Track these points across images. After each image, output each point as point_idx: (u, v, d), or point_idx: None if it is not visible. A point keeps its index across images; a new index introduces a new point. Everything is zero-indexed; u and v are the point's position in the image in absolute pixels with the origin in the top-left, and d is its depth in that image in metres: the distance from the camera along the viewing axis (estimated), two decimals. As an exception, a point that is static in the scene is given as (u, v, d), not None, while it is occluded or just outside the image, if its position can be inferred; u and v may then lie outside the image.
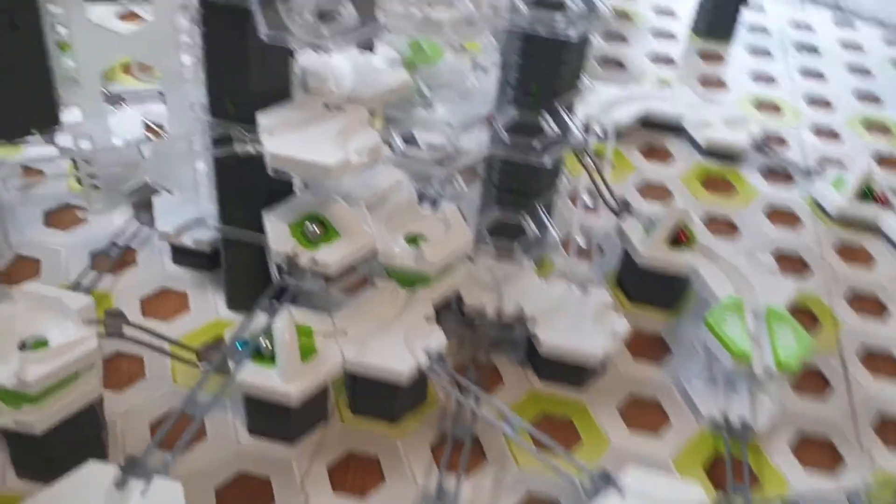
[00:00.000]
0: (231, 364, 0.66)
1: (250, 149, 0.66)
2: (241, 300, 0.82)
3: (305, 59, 0.72)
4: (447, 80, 0.85)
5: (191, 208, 0.84)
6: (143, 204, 0.90)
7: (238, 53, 0.66)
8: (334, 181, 0.64)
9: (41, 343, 0.62)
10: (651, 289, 0.87)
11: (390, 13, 0.60)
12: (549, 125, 0.73)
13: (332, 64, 0.73)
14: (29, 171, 0.97)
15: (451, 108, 0.87)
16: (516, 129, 0.74)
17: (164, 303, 0.84)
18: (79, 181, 0.77)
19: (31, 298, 0.64)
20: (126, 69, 1.11)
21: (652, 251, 0.84)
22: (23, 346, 0.62)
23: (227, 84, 0.68)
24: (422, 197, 0.80)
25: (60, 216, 0.92)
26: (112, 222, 0.91)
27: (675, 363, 0.82)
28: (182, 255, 0.87)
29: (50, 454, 0.62)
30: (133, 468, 0.47)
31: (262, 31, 0.59)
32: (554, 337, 0.75)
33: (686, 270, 0.84)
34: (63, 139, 0.75)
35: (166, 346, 0.67)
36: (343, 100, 0.70)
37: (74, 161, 0.80)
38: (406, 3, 0.61)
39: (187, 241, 0.84)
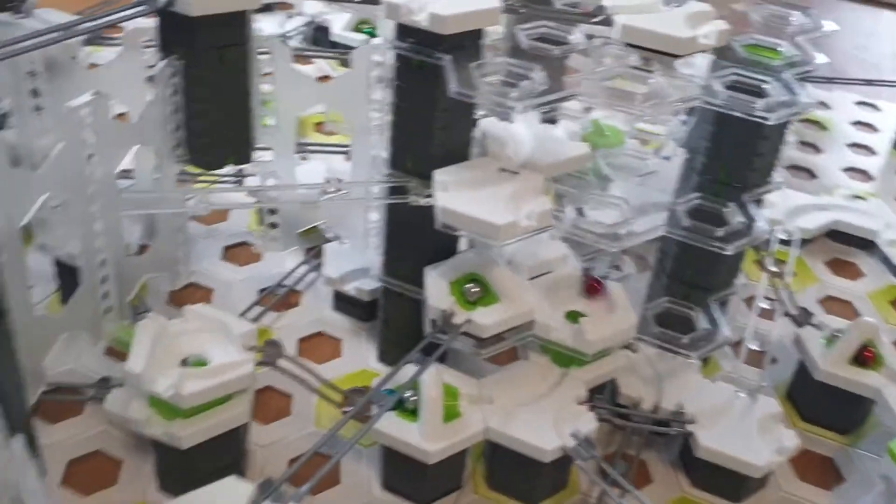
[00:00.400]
0: (373, 412, 0.66)
1: (423, 202, 0.67)
2: (392, 354, 0.82)
3: (487, 124, 0.73)
4: (626, 163, 0.83)
5: (357, 259, 0.86)
6: (314, 250, 0.93)
7: (425, 110, 0.67)
8: (501, 243, 0.63)
9: (201, 363, 0.64)
10: (827, 407, 0.79)
11: (581, 82, 0.59)
12: (735, 216, 0.70)
13: (513, 130, 0.73)
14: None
15: (628, 190, 0.85)
16: (697, 215, 0.70)
17: (318, 346, 0.85)
18: (260, 222, 0.81)
19: (200, 319, 0.67)
20: (317, 126, 1.17)
21: (832, 367, 0.77)
22: (184, 363, 0.64)
23: (410, 139, 0.69)
24: (587, 273, 0.78)
25: (237, 252, 0.97)
26: (283, 264, 0.94)
27: (847, 492, 0.74)
28: (343, 302, 0.88)
29: (191, 471, 0.63)
30: (269, 491, 0.47)
31: (452, 88, 0.60)
32: (714, 440, 0.70)
33: (869, 393, 0.76)
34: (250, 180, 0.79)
35: (315, 383, 0.67)
36: (519, 166, 0.69)
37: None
38: (599, 74, 0.60)
39: (349, 289, 0.86)
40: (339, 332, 0.87)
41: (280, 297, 0.90)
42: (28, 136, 0.68)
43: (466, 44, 0.64)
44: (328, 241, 0.89)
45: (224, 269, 0.94)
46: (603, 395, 0.74)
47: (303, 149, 1.00)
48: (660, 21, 0.65)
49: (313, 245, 0.93)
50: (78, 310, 0.63)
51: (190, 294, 0.88)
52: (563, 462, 0.69)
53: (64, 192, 0.59)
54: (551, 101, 0.60)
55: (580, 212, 0.71)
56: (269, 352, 0.65)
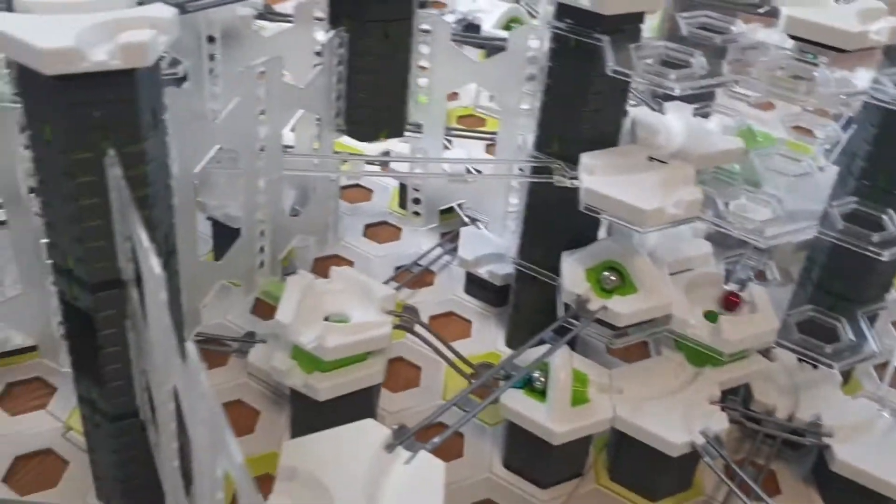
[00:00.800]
0: (500, 387, 0.66)
1: (567, 183, 0.67)
2: (521, 339, 0.81)
3: (639, 113, 0.73)
4: (779, 165, 0.81)
5: (493, 244, 0.87)
6: (451, 233, 0.95)
7: (577, 91, 0.68)
8: (647, 229, 0.63)
9: (343, 320, 0.67)
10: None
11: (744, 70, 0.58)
12: (893, 221, 0.67)
13: (665, 120, 0.72)
14: (360, 187, 1.07)
15: (780, 195, 0.83)
16: (853, 220, 0.68)
17: (448, 325, 0.87)
18: (400, 203, 0.83)
19: (345, 280, 0.69)
20: (459, 120, 1.19)
21: None
22: (327, 319, 0.66)
23: (559, 121, 0.70)
24: (729, 275, 0.76)
25: (378, 230, 1.00)
26: (420, 244, 0.97)
27: None
28: (475, 286, 0.90)
29: (324, 425, 0.65)
30: (403, 437, 0.48)
31: (610, 65, 0.60)
32: (853, 456, 0.67)
33: None
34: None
35: (447, 353, 0.69)
36: (669, 155, 0.69)
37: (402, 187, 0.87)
38: (763, 63, 0.59)
39: (483, 272, 0.87)
40: (469, 314, 0.89)
41: (415, 275, 0.92)
42: (202, 98, 0.73)
43: (626, 27, 0.64)
44: (466, 224, 0.91)
45: (365, 244, 0.97)
46: (736, 398, 0.72)
47: (449, 133, 1.02)
48: (828, 14, 0.63)
49: (451, 229, 0.95)
50: (235, 260, 0.67)
51: (332, 264, 0.91)
52: (689, 461, 0.67)
53: (234, 146, 0.62)
54: (710, 86, 0.59)
55: (728, 206, 0.69)
56: (406, 317, 0.67)
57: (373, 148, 0.99)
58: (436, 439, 0.51)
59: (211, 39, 0.73)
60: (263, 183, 0.65)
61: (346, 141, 0.85)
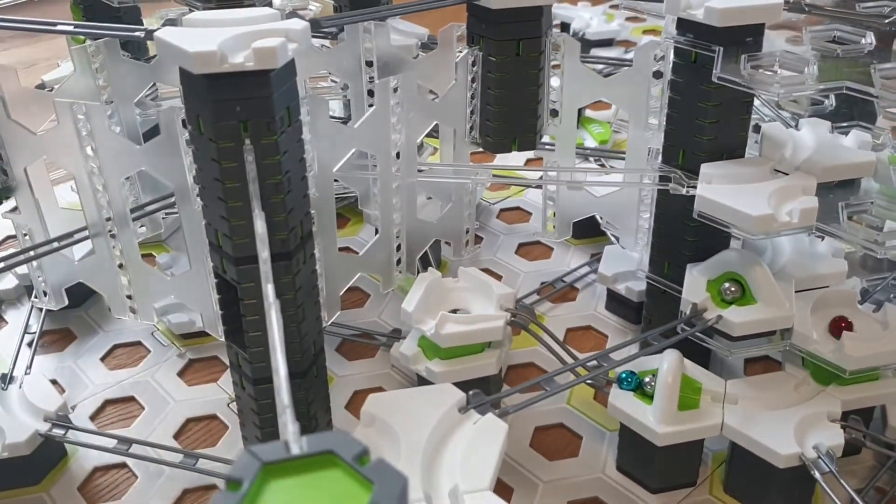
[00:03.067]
0: (612, 387, 0.69)
1: (684, 191, 0.69)
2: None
3: (769, 127, 0.73)
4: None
5: (631, 261, 0.89)
6: (598, 255, 0.98)
7: (697, 104, 0.69)
8: (756, 235, 0.63)
9: (465, 314, 0.72)
10: None
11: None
12: None
13: (794, 134, 0.72)
14: (520, 210, 1.13)
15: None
16: None
17: (584, 338, 0.90)
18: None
19: (470, 279, 0.75)
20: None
21: None
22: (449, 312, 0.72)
23: (683, 134, 0.72)
24: (865, 295, 0.73)
25: (529, 249, 1.05)
26: (568, 264, 1.01)
27: None
28: (614, 302, 0.92)
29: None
30: (476, 401, 0.52)
31: (715, 73, 0.62)
32: None
33: None
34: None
35: (560, 352, 0.72)
36: (793, 167, 0.69)
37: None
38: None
39: (620, 288, 0.89)
40: (606, 329, 0.91)
41: (558, 291, 0.96)
42: (360, 112, 0.83)
43: (746, 39, 0.66)
44: (612, 244, 0.94)
45: (515, 261, 1.02)
46: (857, 417, 0.69)
47: (595, 155, 1.06)
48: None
49: (601, 250, 0.98)
50: (373, 255, 0.75)
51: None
52: (803, 479, 0.65)
53: (371, 149, 0.70)
54: (817, 91, 0.59)
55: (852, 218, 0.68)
56: (520, 314, 0.71)
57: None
58: (508, 408, 0.54)
59: (369, 64, 0.82)
60: (398, 185, 0.73)
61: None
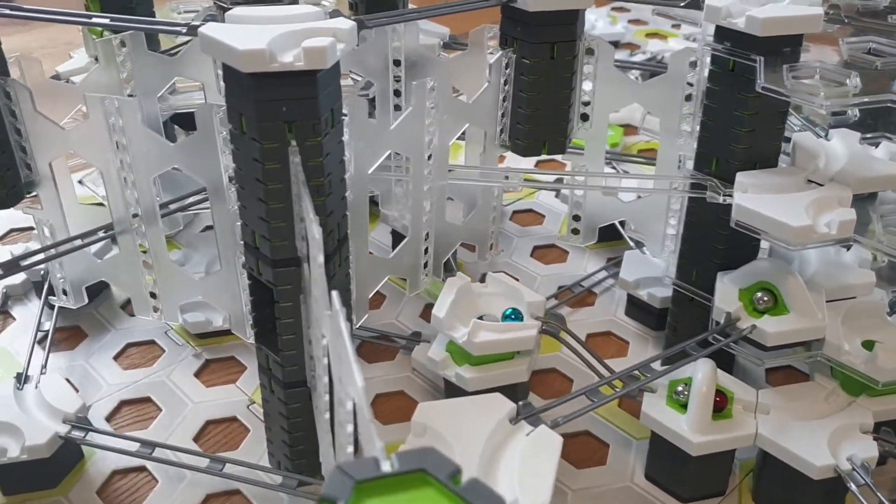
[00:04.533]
0: (644, 397, 0.68)
1: (720, 199, 0.69)
2: (677, 359, 0.83)
3: (801, 137, 0.73)
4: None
5: (654, 268, 0.89)
6: (615, 259, 0.98)
7: (734, 112, 0.69)
8: (795, 246, 0.63)
9: (494, 320, 0.71)
10: None
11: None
12: None
13: (827, 145, 0.72)
14: (532, 212, 1.13)
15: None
16: None
17: (605, 343, 0.89)
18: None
19: (499, 285, 0.74)
20: (640, 152, 1.22)
21: None
22: (479, 318, 0.71)
23: (717, 142, 0.72)
24: (894, 307, 0.74)
25: (545, 252, 1.05)
26: (585, 267, 1.00)
27: None
28: (635, 308, 0.92)
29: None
30: (527, 412, 0.52)
31: (759, 83, 0.62)
32: None
33: None
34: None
35: (592, 360, 0.71)
36: (827, 178, 0.68)
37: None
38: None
39: (642, 294, 0.89)
40: (626, 335, 0.90)
41: (576, 295, 0.96)
42: (386, 112, 0.82)
43: (784, 49, 0.66)
44: (630, 248, 0.93)
45: (531, 264, 1.02)
46: (889, 429, 0.69)
47: (620, 158, 1.06)
48: None
49: (618, 255, 0.97)
50: (402, 258, 0.74)
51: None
52: (835, 489, 0.66)
53: (405, 151, 0.69)
54: (864, 104, 0.59)
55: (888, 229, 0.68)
56: (551, 322, 0.71)
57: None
58: (559, 420, 0.54)
59: (396, 63, 0.81)
60: (429, 188, 0.72)
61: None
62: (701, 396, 0.66)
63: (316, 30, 0.54)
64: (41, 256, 0.70)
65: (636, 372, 0.67)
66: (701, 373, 0.67)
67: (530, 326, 0.70)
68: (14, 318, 0.93)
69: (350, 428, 0.41)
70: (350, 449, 0.41)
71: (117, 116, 0.64)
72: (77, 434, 0.69)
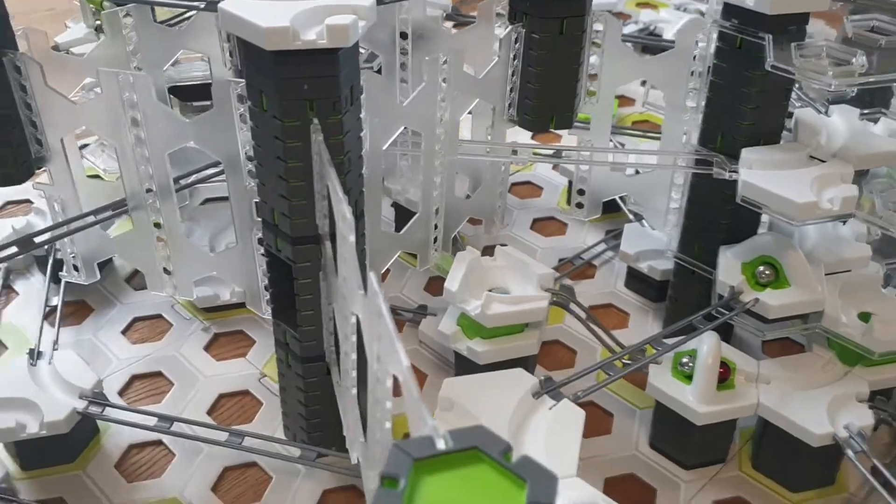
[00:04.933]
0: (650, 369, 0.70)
1: (727, 176, 0.70)
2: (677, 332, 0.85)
3: (802, 113, 0.74)
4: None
5: (654, 240, 0.90)
6: (614, 231, 1.00)
7: (740, 89, 0.70)
8: (799, 221, 0.65)
9: (504, 293, 0.73)
10: None
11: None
12: None
13: (828, 121, 0.73)
14: (531, 185, 1.14)
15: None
16: None
17: (606, 315, 0.91)
18: (568, 201, 0.89)
19: (508, 258, 0.76)
20: (633, 124, 1.24)
21: None
22: (490, 291, 0.73)
23: (722, 117, 0.73)
24: (888, 280, 0.76)
25: (545, 225, 1.06)
26: (584, 240, 1.02)
27: None
28: (634, 279, 0.93)
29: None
30: (549, 386, 0.53)
31: (769, 61, 0.63)
32: None
33: None
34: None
35: (601, 333, 0.73)
36: (830, 154, 0.70)
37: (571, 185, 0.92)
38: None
39: (643, 266, 0.90)
40: (627, 307, 0.92)
41: (577, 268, 0.97)
42: (394, 87, 0.82)
43: (790, 27, 0.67)
44: (630, 221, 0.95)
45: (531, 237, 1.03)
46: (886, 399, 0.71)
47: (617, 132, 1.07)
48: None
49: (616, 227, 0.99)
50: (412, 234, 0.75)
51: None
52: (832, 456, 0.68)
53: (418, 127, 0.70)
54: (869, 84, 0.61)
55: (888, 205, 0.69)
56: (561, 295, 0.72)
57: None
58: (578, 393, 0.56)
59: (403, 36, 0.82)
60: (440, 163, 0.73)
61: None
62: (707, 368, 0.68)
63: (336, 7, 0.54)
64: (57, 232, 0.70)
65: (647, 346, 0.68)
66: (706, 345, 0.69)
67: (541, 298, 0.71)
68: (17, 293, 0.93)
69: (389, 405, 0.42)
70: (388, 425, 0.42)
71: (131, 92, 0.64)
72: (94, 409, 0.70)
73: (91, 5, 0.89)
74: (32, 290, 0.92)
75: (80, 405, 0.69)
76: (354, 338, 0.51)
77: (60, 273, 0.79)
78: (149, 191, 0.69)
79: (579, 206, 0.86)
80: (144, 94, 0.63)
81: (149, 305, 0.90)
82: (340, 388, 0.61)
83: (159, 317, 0.89)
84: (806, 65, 0.62)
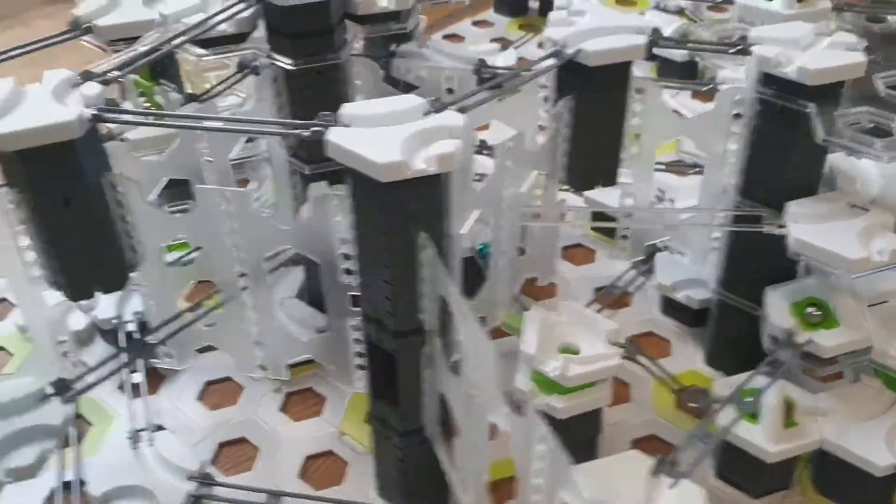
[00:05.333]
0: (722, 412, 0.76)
1: (777, 231, 0.76)
2: (721, 359, 0.91)
3: (836, 158, 0.80)
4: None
5: (687, 269, 0.96)
6: (647, 258, 1.05)
7: (783, 149, 0.76)
8: (853, 275, 0.71)
9: (573, 351, 0.78)
10: None
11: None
12: None
13: (859, 166, 0.79)
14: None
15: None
16: None
17: (648, 344, 0.96)
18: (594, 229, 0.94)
19: (572, 313, 0.81)
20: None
21: None
22: (564, 351, 0.78)
23: (764, 173, 0.78)
24: (924, 308, 0.82)
25: (573, 253, 1.11)
26: (613, 267, 1.06)
27: None
28: (670, 307, 0.99)
29: (562, 438, 0.77)
30: (665, 467, 0.59)
31: (820, 135, 0.68)
32: None
33: None
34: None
35: (666, 378, 0.79)
36: (868, 200, 0.76)
37: (603, 215, 0.97)
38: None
39: (680, 296, 0.96)
40: (667, 334, 0.98)
41: (614, 297, 1.02)
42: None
43: (828, 93, 0.72)
44: (660, 250, 1.00)
45: (563, 266, 1.07)
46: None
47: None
48: None
49: (647, 254, 1.04)
50: (486, 298, 0.80)
51: (541, 289, 1.02)
52: (891, 479, 0.75)
53: (489, 206, 0.75)
54: (917, 152, 0.66)
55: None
56: (630, 348, 0.78)
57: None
58: (692, 468, 0.61)
59: (450, 91, 0.86)
60: (506, 233, 0.77)
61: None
62: (774, 411, 0.74)
63: (435, 129, 0.58)
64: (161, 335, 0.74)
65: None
66: (774, 388, 0.75)
67: (613, 355, 0.77)
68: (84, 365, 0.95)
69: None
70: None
71: (228, 205, 0.67)
72: (204, 490, 0.74)
73: (137, 88, 0.91)
74: (94, 360, 0.94)
75: (192, 488, 0.73)
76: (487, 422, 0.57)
77: (153, 360, 0.82)
78: (241, 275, 0.72)
79: (624, 237, 0.91)
80: (243, 208, 0.67)
81: (216, 368, 0.93)
82: (454, 466, 0.66)
83: (229, 379, 0.93)
84: (855, 138, 0.67)
